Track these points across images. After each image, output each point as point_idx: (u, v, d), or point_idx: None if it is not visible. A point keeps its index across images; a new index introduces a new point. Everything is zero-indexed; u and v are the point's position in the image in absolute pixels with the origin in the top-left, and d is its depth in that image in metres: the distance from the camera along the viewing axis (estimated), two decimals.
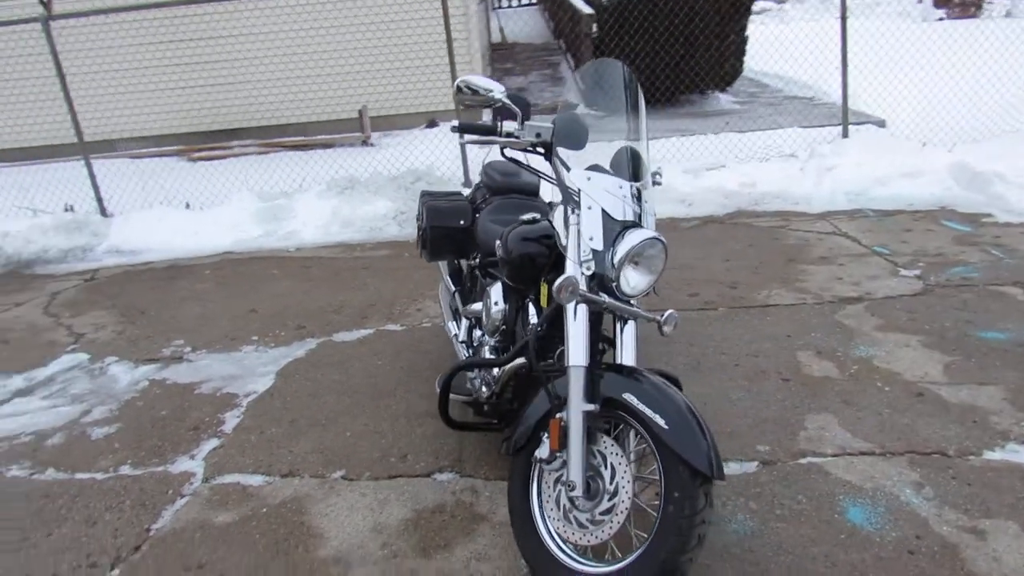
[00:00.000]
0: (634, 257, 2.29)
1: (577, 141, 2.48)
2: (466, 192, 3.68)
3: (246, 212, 6.89)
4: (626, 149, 2.68)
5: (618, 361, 2.36)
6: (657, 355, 3.68)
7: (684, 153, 7.07)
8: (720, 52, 9.10)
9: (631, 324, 2.40)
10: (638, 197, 2.47)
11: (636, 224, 2.37)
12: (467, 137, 2.45)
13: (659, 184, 2.92)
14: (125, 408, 3.66)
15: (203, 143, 9.21)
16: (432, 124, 9.21)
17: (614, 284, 2.30)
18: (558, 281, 2.17)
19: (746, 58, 9.77)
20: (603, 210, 2.33)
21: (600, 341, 2.51)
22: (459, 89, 2.44)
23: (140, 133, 9.28)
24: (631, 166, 2.61)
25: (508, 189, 3.46)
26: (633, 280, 2.32)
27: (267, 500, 2.85)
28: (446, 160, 7.48)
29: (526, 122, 2.41)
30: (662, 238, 2.31)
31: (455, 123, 2.51)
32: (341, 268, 5.57)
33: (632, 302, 2.39)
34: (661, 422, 2.06)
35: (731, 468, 2.79)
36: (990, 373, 3.28)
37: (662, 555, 2.00)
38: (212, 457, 3.17)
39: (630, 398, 2.14)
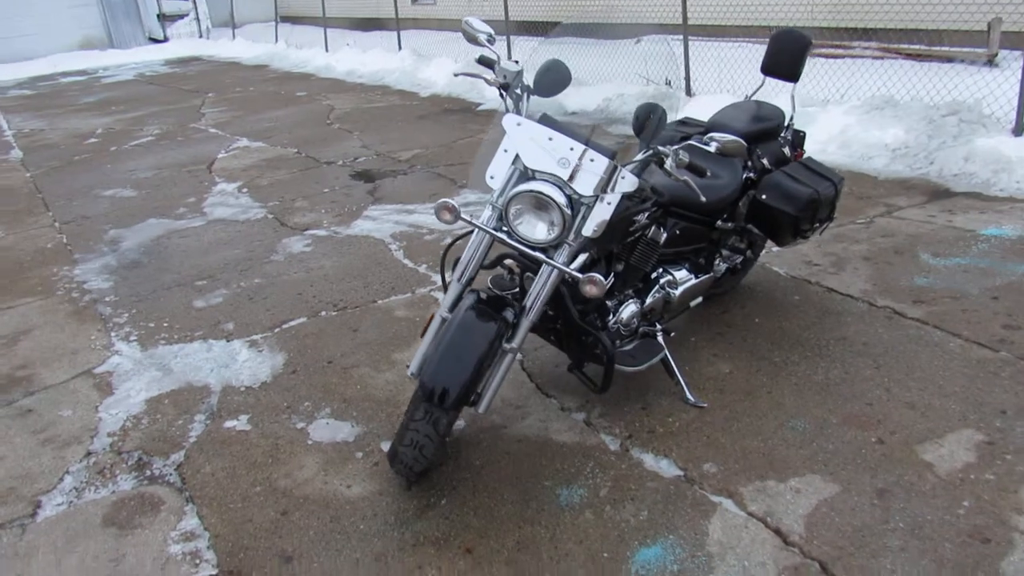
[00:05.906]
0: (525, 205, 2.36)
1: (547, 89, 2.55)
2: None
3: None
4: (644, 107, 2.50)
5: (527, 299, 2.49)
6: (807, 341, 3.13)
7: None
8: None
9: (544, 271, 2.43)
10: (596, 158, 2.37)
11: (552, 179, 2.36)
12: (458, 69, 2.72)
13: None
14: None
15: (828, 40, 9.02)
16: None
17: (504, 223, 2.41)
18: (437, 202, 2.48)
19: None
20: (517, 155, 2.43)
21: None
22: (463, 27, 2.72)
23: (761, 22, 9.65)
24: (639, 125, 2.47)
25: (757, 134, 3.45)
26: (525, 226, 2.39)
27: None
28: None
29: (500, 64, 2.59)
30: (550, 195, 2.30)
31: (478, 56, 2.78)
32: None
33: (556, 255, 2.39)
34: (445, 344, 2.34)
35: (603, 439, 2.61)
36: None
37: (395, 439, 2.45)
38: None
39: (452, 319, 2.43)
